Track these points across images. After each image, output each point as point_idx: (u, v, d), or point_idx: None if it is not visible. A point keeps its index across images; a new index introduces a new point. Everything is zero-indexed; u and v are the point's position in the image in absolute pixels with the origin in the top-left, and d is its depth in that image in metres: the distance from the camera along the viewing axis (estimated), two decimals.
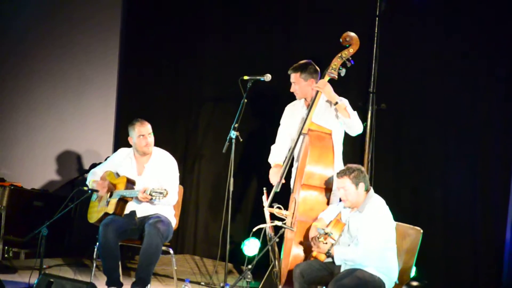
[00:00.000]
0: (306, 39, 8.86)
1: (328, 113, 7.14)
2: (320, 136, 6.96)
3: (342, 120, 7.03)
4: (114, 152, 7.75)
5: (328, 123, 7.07)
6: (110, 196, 7.30)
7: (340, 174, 6.46)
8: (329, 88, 7.03)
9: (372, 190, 6.48)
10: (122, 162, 7.48)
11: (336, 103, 7.01)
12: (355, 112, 7.06)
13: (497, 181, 7.75)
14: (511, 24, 7.72)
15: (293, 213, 6.90)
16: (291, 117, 7.36)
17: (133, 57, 9.95)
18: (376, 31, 8.10)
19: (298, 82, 7.22)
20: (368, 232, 6.29)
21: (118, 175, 7.45)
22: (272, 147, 7.45)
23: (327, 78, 7.07)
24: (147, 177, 7.38)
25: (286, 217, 6.99)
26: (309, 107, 7.13)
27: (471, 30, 7.90)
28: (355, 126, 7.06)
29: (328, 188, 6.86)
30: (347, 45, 7.11)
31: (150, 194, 7.03)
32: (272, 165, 7.39)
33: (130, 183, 7.31)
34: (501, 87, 7.78)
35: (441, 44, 8.07)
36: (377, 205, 6.41)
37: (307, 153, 6.86)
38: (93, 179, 7.44)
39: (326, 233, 6.28)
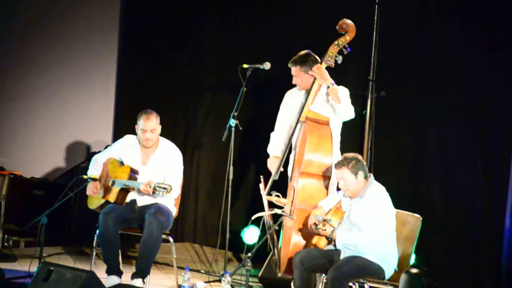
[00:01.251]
0: (305, 27, 8.85)
1: (324, 100, 7.13)
2: (318, 124, 6.96)
3: (332, 104, 7.03)
4: (115, 141, 7.73)
5: (324, 110, 7.06)
6: (112, 184, 7.28)
7: (338, 165, 6.46)
8: (323, 71, 7.03)
9: (372, 176, 6.49)
10: (126, 150, 7.44)
11: (328, 86, 7.01)
12: (348, 98, 7.05)
13: (497, 168, 7.75)
14: None
15: (292, 201, 6.90)
16: (291, 103, 7.36)
17: (132, 46, 9.93)
18: (375, 18, 8.08)
19: (299, 75, 7.23)
20: (368, 218, 6.30)
21: (122, 163, 7.42)
22: (272, 134, 7.45)
23: (324, 65, 7.08)
24: (151, 168, 7.36)
25: (284, 205, 6.99)
26: (307, 94, 7.13)
27: (472, 17, 7.88)
28: (344, 112, 7.07)
29: (326, 176, 6.87)
30: (344, 33, 7.11)
31: (154, 188, 7.02)
32: (270, 156, 7.40)
33: (134, 173, 7.29)
34: (501, 76, 7.76)
35: (441, 32, 8.05)
36: (378, 192, 6.42)
37: (306, 141, 6.86)
38: (93, 174, 7.35)
39: (324, 220, 6.29)
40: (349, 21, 7.09)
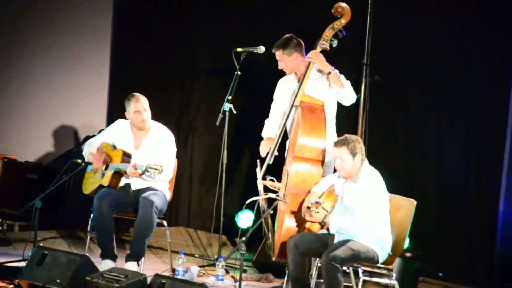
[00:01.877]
0: (300, 10, 8.83)
1: (319, 84, 7.12)
2: (312, 108, 6.95)
3: (336, 90, 7.02)
4: (109, 125, 7.73)
5: (320, 94, 7.06)
6: (106, 168, 7.29)
7: (338, 143, 6.45)
8: (321, 58, 7.03)
9: (366, 161, 6.49)
10: (119, 135, 7.46)
11: (329, 73, 7.00)
12: (348, 81, 7.05)
13: (491, 152, 7.76)
14: None
15: (286, 185, 6.90)
16: (283, 91, 7.35)
17: (126, 30, 9.91)
18: (369, 2, 8.07)
19: (283, 59, 7.22)
20: (362, 202, 6.30)
21: (114, 147, 7.44)
22: (266, 121, 7.44)
23: (319, 49, 7.07)
24: (144, 152, 7.36)
25: (279, 189, 6.99)
26: (301, 79, 7.12)
27: (466, 2, 7.87)
28: (349, 96, 7.06)
29: (320, 160, 6.86)
30: (339, 16, 7.09)
31: (146, 169, 7.02)
32: (264, 138, 7.39)
33: (126, 156, 7.30)
34: (495, 60, 7.76)
35: (436, 17, 8.04)
36: (372, 176, 6.42)
37: (299, 125, 6.86)
38: (89, 150, 7.42)
39: (317, 202, 6.28)
40: (344, 4, 7.08)
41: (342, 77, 7.02)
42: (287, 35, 7.25)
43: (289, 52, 7.17)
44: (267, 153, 7.22)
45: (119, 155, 7.28)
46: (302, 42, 7.22)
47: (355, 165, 6.42)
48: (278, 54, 7.21)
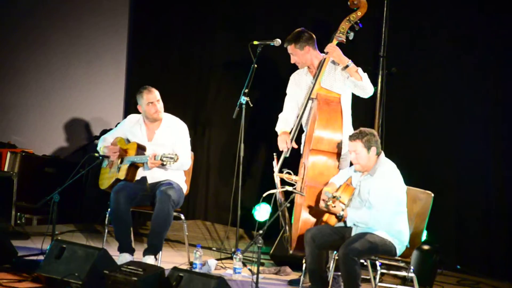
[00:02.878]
0: (315, 2, 8.81)
1: (333, 76, 7.09)
2: (328, 101, 6.93)
3: (354, 83, 6.99)
4: (124, 119, 7.76)
5: (335, 87, 7.03)
6: (121, 162, 7.31)
7: (353, 137, 6.44)
8: (339, 51, 7.00)
9: (383, 154, 6.47)
10: (132, 129, 7.48)
11: (347, 66, 6.97)
12: (366, 74, 7.03)
13: (510, 143, 7.72)
14: None
15: (303, 178, 6.89)
16: (297, 85, 7.31)
17: (143, 23, 9.92)
18: None
19: (295, 53, 7.18)
20: (379, 195, 6.29)
21: (128, 141, 7.45)
22: (280, 115, 7.40)
23: (335, 42, 7.04)
24: (158, 143, 7.38)
25: (296, 182, 6.98)
26: (316, 72, 7.09)
27: None
28: (367, 88, 7.02)
29: (337, 152, 6.84)
30: (355, 8, 7.07)
31: (161, 159, 7.03)
32: (279, 133, 7.37)
33: (141, 149, 7.31)
34: None
35: (453, 8, 8.00)
36: (389, 169, 6.40)
37: (316, 118, 6.84)
38: (104, 145, 7.45)
39: (334, 197, 6.26)
40: None
41: (359, 69, 7.00)
42: (298, 29, 7.22)
43: (301, 46, 7.14)
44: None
45: (134, 148, 7.30)
46: (314, 36, 7.19)
47: (370, 158, 6.40)
48: (290, 48, 7.18)
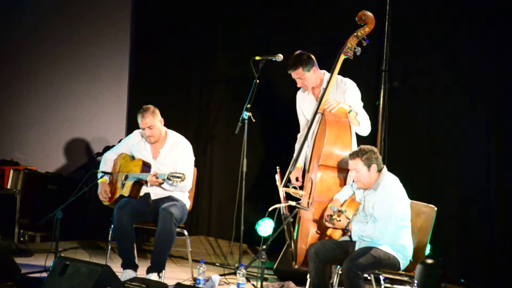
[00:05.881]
0: (318, 18, 8.82)
1: (338, 92, 7.10)
2: (336, 115, 6.91)
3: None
4: (128, 135, 7.75)
5: (344, 103, 7.03)
6: (126, 178, 7.30)
7: (353, 155, 6.45)
8: (341, 103, 6.98)
9: (385, 168, 6.47)
10: (136, 146, 7.47)
11: (350, 111, 6.95)
12: (365, 115, 7.00)
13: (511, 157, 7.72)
14: None
15: (310, 194, 6.88)
16: (303, 103, 7.32)
17: (144, 39, 9.94)
18: (388, 8, 8.06)
19: (303, 77, 7.13)
20: (383, 209, 6.29)
21: (133, 157, 7.45)
22: (298, 135, 7.39)
23: (343, 57, 7.03)
24: (162, 161, 7.37)
25: (302, 196, 6.98)
26: (321, 89, 7.09)
27: (484, 5, 7.85)
28: (363, 131, 7.06)
29: (345, 168, 6.80)
30: (363, 24, 7.07)
31: (168, 178, 7.02)
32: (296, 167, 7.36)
33: (146, 166, 7.30)
34: None
35: (453, 21, 8.02)
36: (391, 183, 6.40)
37: (325, 133, 6.82)
38: (102, 179, 7.42)
39: (339, 211, 6.27)
40: (368, 13, 7.06)
41: (359, 113, 6.97)
42: (297, 52, 7.19)
43: (308, 68, 7.11)
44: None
45: (139, 165, 7.29)
46: (312, 56, 7.19)
47: (371, 176, 6.41)
48: (298, 72, 7.13)
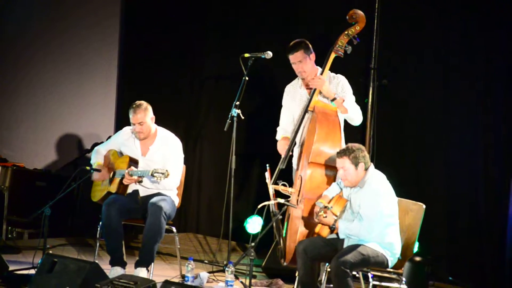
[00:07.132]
0: (306, 16, 8.83)
1: (331, 87, 7.08)
2: (326, 113, 6.90)
3: (341, 113, 6.99)
4: (117, 132, 7.74)
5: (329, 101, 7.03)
6: (113, 175, 7.30)
7: (340, 154, 6.45)
8: (327, 85, 6.98)
9: (372, 166, 6.47)
10: (125, 142, 7.47)
11: (334, 99, 6.96)
12: (355, 104, 7.01)
13: (500, 155, 7.74)
14: None
15: (299, 191, 6.88)
16: (292, 98, 7.30)
17: (133, 36, 9.93)
18: (376, 6, 8.07)
19: (304, 60, 7.11)
20: (369, 207, 6.30)
21: (121, 154, 7.45)
22: (278, 128, 7.40)
23: (333, 55, 7.02)
24: (151, 158, 7.36)
25: (291, 194, 6.97)
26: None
27: (472, 5, 7.87)
28: (354, 119, 7.07)
29: (335, 166, 6.80)
30: (353, 23, 7.06)
31: (152, 174, 7.01)
32: (279, 140, 7.35)
33: (133, 162, 7.30)
34: (502, 59, 7.74)
35: (443, 19, 8.04)
36: (378, 180, 6.41)
37: (315, 130, 6.82)
38: (97, 161, 7.42)
39: (325, 207, 6.28)
40: (359, 12, 7.05)
41: (347, 101, 6.97)
42: (296, 40, 7.20)
43: (308, 52, 7.11)
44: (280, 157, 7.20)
45: (126, 162, 7.29)
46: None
47: (358, 174, 6.41)
48: (299, 54, 7.11)
